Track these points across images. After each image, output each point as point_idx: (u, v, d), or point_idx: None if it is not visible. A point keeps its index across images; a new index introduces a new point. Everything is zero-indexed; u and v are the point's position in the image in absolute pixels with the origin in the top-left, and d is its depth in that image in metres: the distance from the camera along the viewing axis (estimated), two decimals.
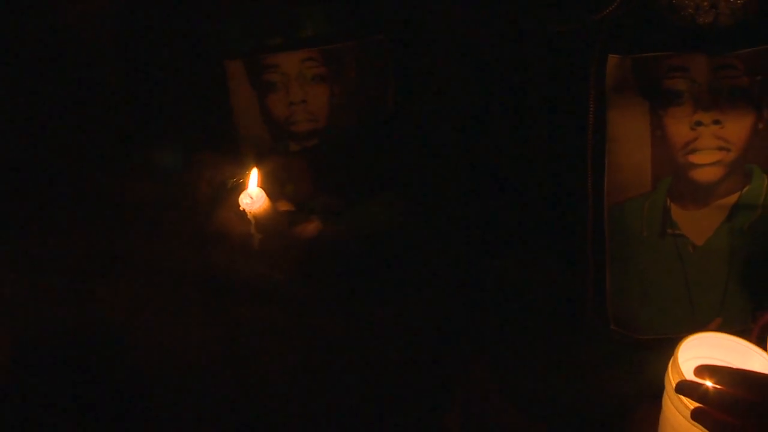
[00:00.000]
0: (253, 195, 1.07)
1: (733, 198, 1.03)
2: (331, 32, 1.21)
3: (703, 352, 0.94)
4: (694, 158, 1.01)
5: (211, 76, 1.20)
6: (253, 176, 1.08)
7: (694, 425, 0.86)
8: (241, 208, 1.07)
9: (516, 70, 1.10)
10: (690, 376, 0.88)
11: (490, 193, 1.20)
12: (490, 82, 1.14)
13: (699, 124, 0.99)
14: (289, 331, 1.23)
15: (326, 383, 1.31)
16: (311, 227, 1.14)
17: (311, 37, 1.20)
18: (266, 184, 1.08)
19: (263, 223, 1.08)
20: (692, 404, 0.86)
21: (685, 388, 0.86)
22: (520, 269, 1.21)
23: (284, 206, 1.13)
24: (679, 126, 1.00)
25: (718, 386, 0.85)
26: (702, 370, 0.87)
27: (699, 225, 1.05)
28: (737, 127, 0.99)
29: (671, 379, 0.90)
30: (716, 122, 0.99)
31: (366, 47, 1.23)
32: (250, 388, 1.26)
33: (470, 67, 1.16)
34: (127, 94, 1.24)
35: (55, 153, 1.19)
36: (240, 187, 1.08)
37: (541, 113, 1.09)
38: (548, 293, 1.18)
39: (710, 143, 1.00)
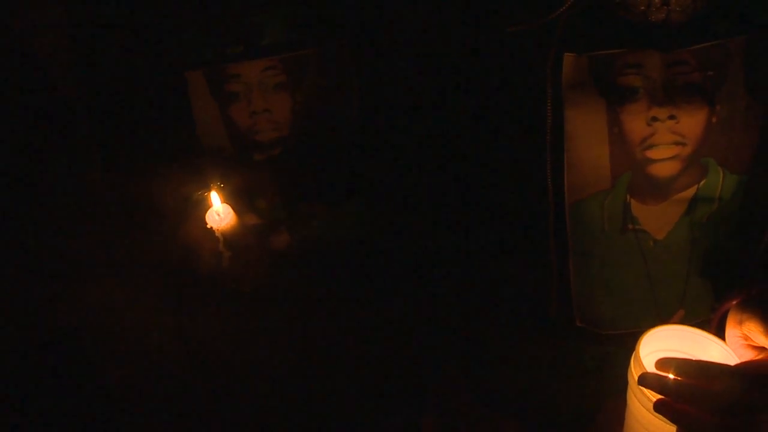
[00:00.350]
0: (220, 212, 1.07)
1: (690, 192, 1.04)
2: (291, 39, 1.20)
3: (664, 344, 0.95)
4: (652, 154, 1.02)
5: (172, 87, 1.19)
6: (217, 193, 1.07)
7: (657, 417, 0.87)
8: (208, 226, 1.07)
9: (475, 71, 1.10)
10: (652, 369, 0.89)
11: (453, 194, 1.21)
12: (449, 84, 1.15)
13: (655, 119, 1.01)
14: (261, 335, 1.23)
15: (301, 386, 1.31)
16: (280, 240, 1.14)
17: (272, 44, 1.20)
18: (232, 199, 1.08)
19: (232, 240, 1.07)
20: (655, 396, 0.87)
21: (647, 380, 0.87)
22: (487, 268, 1.22)
23: (252, 220, 1.13)
24: (635, 122, 1.01)
25: (679, 378, 0.87)
26: (663, 362, 0.88)
27: (659, 219, 1.06)
28: (692, 122, 1.00)
29: (633, 373, 0.91)
30: (671, 117, 1.00)
31: (327, 53, 1.23)
32: (224, 390, 1.26)
33: (430, 70, 1.17)
34: (86, 105, 1.23)
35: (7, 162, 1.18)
36: (205, 201, 1.08)
37: (500, 113, 1.09)
38: (515, 292, 1.19)
39: (666, 138, 1.01)
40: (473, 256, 1.23)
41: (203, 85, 1.20)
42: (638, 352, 0.92)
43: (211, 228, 1.07)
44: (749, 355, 0.89)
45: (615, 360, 1.02)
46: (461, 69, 1.12)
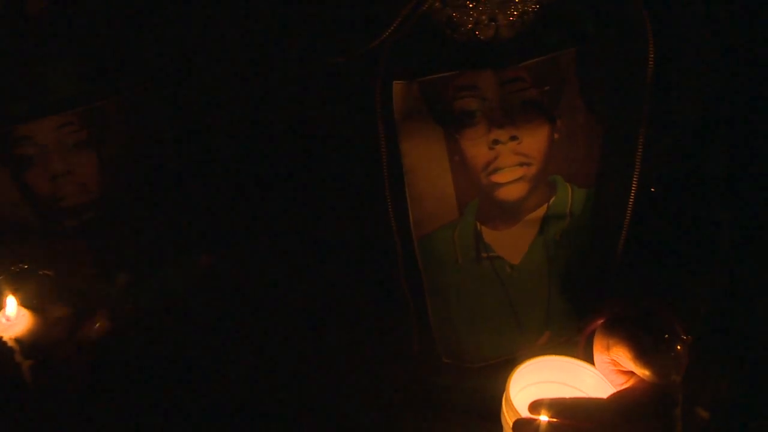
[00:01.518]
0: (10, 315, 0.90)
1: (541, 211, 1.00)
2: (88, 90, 1.05)
3: (536, 377, 0.91)
4: (497, 178, 0.97)
5: None
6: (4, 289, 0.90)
7: None
8: None
9: (301, 107, 1.01)
10: (525, 405, 0.85)
11: (297, 239, 1.11)
12: (278, 123, 1.04)
13: (496, 142, 0.95)
14: None
15: None
16: (98, 327, 0.97)
17: (66, 98, 1.04)
18: (35, 286, 0.91)
19: (31, 345, 0.90)
20: None
21: (521, 427, 0.83)
22: (346, 310, 1.14)
23: (59, 310, 0.96)
24: (476, 147, 0.95)
25: (555, 420, 0.82)
26: (536, 405, 0.84)
27: (513, 244, 1.02)
28: (534, 141, 0.95)
29: (507, 418, 0.86)
30: (513, 138, 0.95)
31: (132, 100, 1.09)
32: None
33: (255, 109, 1.06)
34: None
35: None
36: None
37: (335, 152, 1.01)
38: (376, 332, 1.12)
39: (511, 160, 0.96)
40: (329, 298, 1.14)
41: None
42: (508, 394, 0.86)
43: (1, 338, 0.89)
44: (620, 381, 0.86)
45: (488, 391, 0.97)
46: (287, 105, 1.02)
